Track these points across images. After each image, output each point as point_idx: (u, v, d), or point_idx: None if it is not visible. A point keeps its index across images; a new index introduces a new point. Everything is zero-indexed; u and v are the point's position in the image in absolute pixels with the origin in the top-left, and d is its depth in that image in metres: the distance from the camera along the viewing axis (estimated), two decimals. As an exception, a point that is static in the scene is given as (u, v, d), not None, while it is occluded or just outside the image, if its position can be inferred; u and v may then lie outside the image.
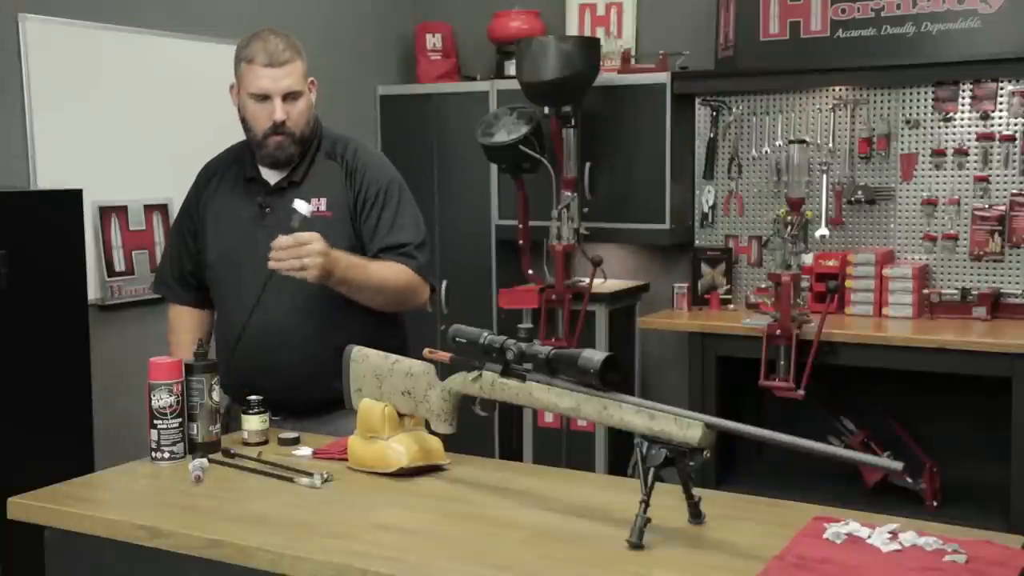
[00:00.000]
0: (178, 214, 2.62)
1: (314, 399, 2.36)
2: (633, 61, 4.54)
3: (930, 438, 4.01)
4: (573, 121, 4.18)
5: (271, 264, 2.17)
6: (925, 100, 4.10)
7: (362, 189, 2.40)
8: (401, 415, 1.98)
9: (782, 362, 3.76)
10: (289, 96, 2.33)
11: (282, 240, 2.16)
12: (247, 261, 2.38)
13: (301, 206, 2.21)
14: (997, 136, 3.99)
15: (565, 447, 4.27)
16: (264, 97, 2.32)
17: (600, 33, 4.66)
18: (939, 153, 4.08)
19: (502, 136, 4.08)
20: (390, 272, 2.36)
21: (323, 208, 2.36)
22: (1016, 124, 3.96)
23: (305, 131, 2.39)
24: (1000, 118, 3.98)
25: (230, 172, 2.50)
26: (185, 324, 2.56)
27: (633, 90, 4.37)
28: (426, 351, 1.96)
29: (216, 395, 2.10)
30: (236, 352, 2.38)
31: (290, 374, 2.36)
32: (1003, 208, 3.99)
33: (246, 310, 2.32)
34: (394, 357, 2.02)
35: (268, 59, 2.30)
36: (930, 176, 4.12)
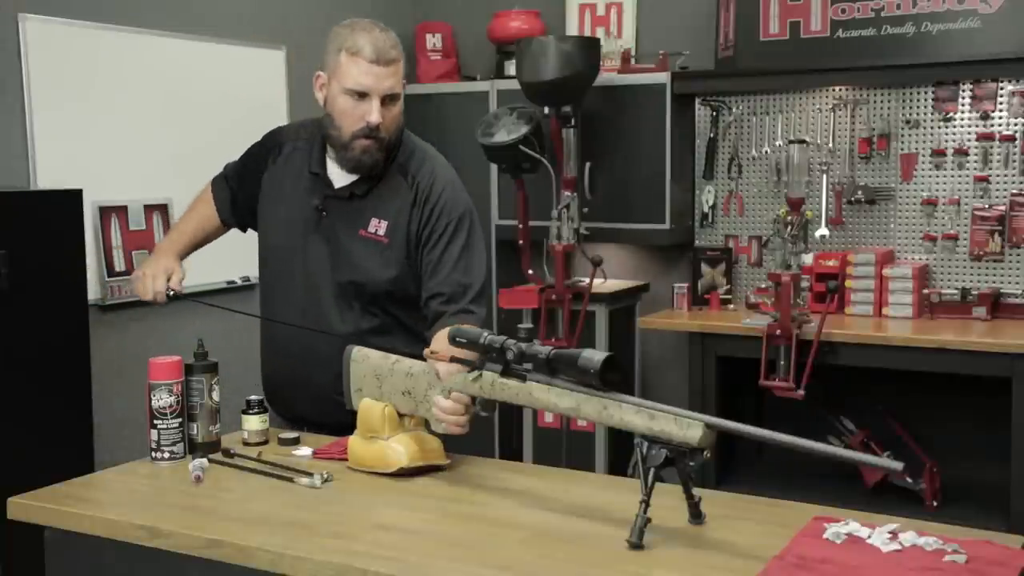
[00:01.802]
0: (243, 156, 2.44)
1: (344, 422, 2.15)
2: (633, 61, 4.54)
3: (930, 438, 4.01)
4: (573, 121, 4.18)
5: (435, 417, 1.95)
6: (925, 100, 4.10)
7: (430, 221, 2.20)
8: (401, 415, 1.98)
9: (782, 362, 3.76)
10: (388, 98, 2.14)
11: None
12: (297, 265, 2.26)
13: None
14: (997, 136, 3.99)
15: (565, 447, 4.27)
16: (362, 95, 2.13)
17: (600, 33, 4.66)
18: (939, 153, 4.08)
19: (502, 136, 4.08)
20: None
21: (381, 233, 2.20)
22: (1016, 124, 3.96)
23: (394, 137, 2.21)
24: (1000, 118, 3.98)
25: (299, 153, 2.30)
26: (203, 214, 2.44)
27: (633, 90, 4.36)
28: (427, 352, 1.96)
29: (216, 395, 2.10)
30: (274, 359, 2.33)
31: (321, 390, 2.22)
32: (1003, 208, 3.99)
33: (289, 316, 2.25)
34: (394, 357, 2.01)
35: (375, 55, 2.11)
36: (930, 176, 4.12)
